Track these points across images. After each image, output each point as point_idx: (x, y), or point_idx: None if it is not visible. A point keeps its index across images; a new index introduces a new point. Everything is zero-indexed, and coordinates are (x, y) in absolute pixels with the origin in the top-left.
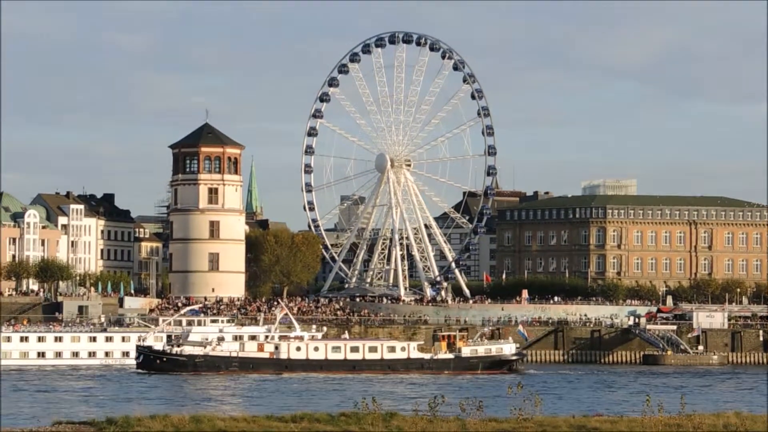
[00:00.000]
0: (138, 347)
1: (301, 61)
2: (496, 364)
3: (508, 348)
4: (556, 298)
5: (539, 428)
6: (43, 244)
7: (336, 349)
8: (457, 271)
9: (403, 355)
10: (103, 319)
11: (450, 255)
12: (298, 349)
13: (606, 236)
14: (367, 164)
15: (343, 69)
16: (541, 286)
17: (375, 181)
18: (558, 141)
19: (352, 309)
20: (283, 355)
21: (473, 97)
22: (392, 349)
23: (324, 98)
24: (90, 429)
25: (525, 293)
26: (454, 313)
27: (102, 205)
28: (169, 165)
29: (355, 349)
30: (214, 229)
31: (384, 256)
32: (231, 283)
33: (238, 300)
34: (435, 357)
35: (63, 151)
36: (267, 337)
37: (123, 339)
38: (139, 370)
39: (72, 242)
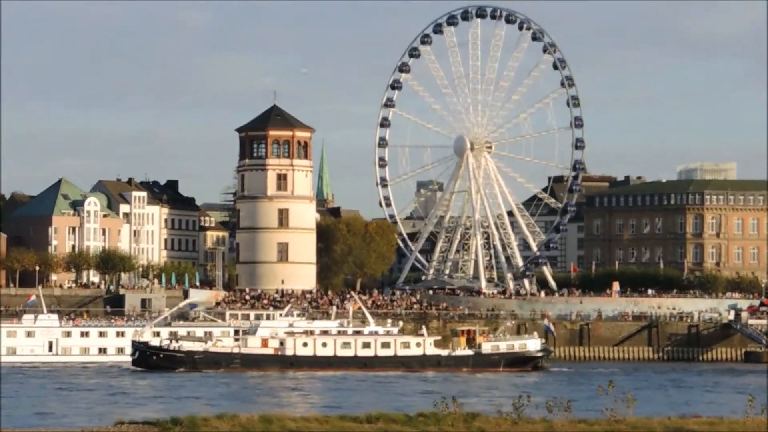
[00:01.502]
0: (134, 343)
1: (374, 40)
2: (519, 361)
3: (532, 344)
4: (649, 291)
5: (633, 431)
6: (103, 233)
7: (346, 345)
8: (542, 261)
9: (418, 352)
10: (167, 313)
11: (534, 244)
12: (305, 344)
13: (704, 224)
14: (445, 150)
15: (414, 53)
16: (633, 277)
17: (454, 166)
18: (651, 122)
19: (430, 302)
20: (289, 352)
21: (555, 67)
22: (406, 345)
23: (395, 86)
24: (154, 429)
25: (616, 285)
26: (539, 306)
27: (165, 193)
28: (235, 149)
29: (366, 345)
30: (283, 217)
31: (464, 246)
32: (301, 275)
33: (309, 293)
34: (453, 353)
35: (124, 135)
36: (328, 332)
37: (187, 334)
38: (134, 368)
39: (134, 231)
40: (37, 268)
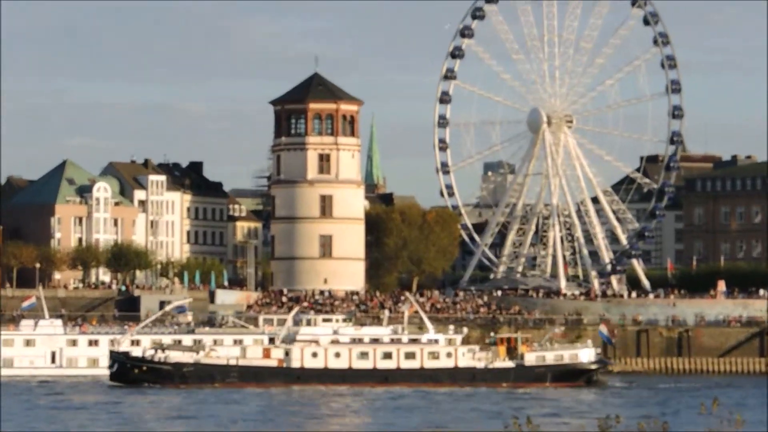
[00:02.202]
0: (112, 354)
1: None
2: (570, 374)
3: (585, 354)
4: (761, 292)
5: None
6: (115, 224)
7: (363, 355)
8: (635, 254)
9: (448, 363)
10: (190, 318)
11: (624, 236)
12: (314, 355)
13: None
14: (517, 126)
15: (477, 14)
16: (741, 275)
17: (527, 145)
18: (762, 93)
19: (500, 305)
20: (295, 363)
21: (646, 22)
22: (434, 356)
23: (456, 54)
24: None
25: (721, 285)
26: (630, 310)
27: (188, 176)
28: (270, 126)
29: (387, 356)
30: (325, 205)
31: (540, 239)
32: (347, 273)
33: (356, 294)
34: (490, 366)
35: (140, 110)
36: (379, 340)
37: (215, 343)
38: (112, 382)
39: (151, 222)
40: (38, 265)
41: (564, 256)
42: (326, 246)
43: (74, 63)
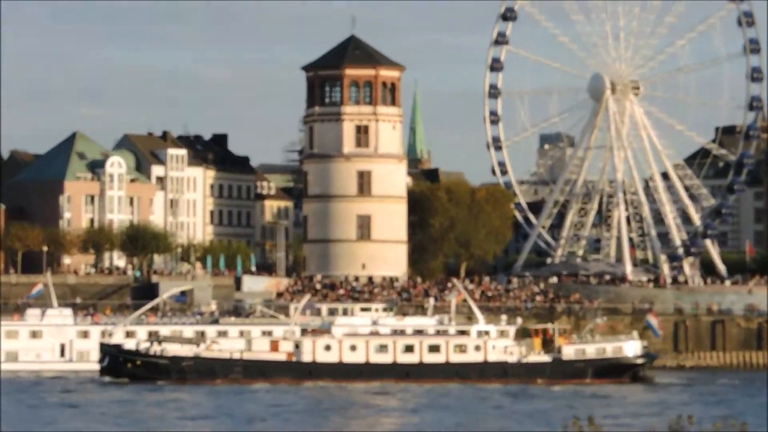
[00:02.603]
0: (102, 346)
1: None
2: (613, 369)
3: (630, 347)
4: None
5: None
6: (131, 203)
7: (381, 348)
8: (711, 234)
9: (477, 357)
10: (214, 307)
11: (698, 216)
12: (328, 348)
13: None
14: (577, 94)
15: None
16: None
17: (588, 115)
18: None
19: (558, 293)
20: (306, 357)
21: None
22: (461, 349)
23: (508, 15)
24: None
25: None
26: (704, 298)
27: (211, 150)
28: (302, 94)
29: (409, 349)
30: (364, 182)
31: (603, 219)
32: (388, 257)
33: (398, 281)
34: (523, 360)
35: (158, 76)
36: (423, 331)
37: (241, 334)
38: (104, 378)
39: (171, 201)
40: (45, 248)
41: (630, 239)
42: (364, 227)
43: (85, 24)
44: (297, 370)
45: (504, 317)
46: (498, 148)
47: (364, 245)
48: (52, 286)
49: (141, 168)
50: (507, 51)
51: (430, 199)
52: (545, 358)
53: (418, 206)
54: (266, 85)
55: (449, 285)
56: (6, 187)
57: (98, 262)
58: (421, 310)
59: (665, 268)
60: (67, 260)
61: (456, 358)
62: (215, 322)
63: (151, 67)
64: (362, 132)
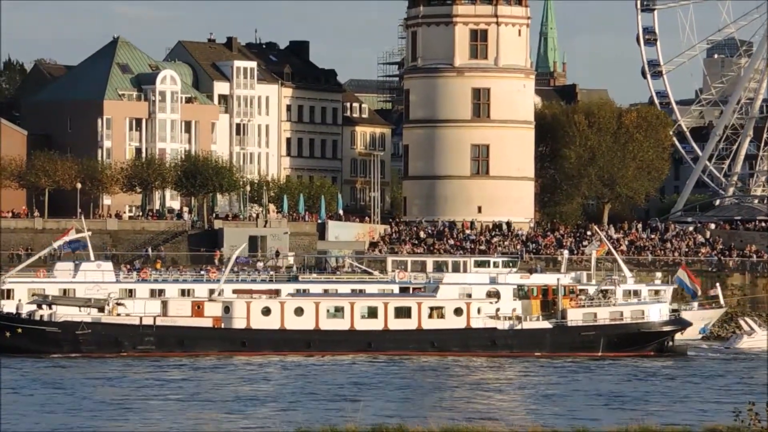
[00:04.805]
0: None
1: None
2: (633, 339)
3: (655, 310)
4: None
5: None
6: (187, 129)
7: (335, 312)
8: None
9: (457, 324)
10: (292, 260)
11: None
12: (266, 312)
13: None
14: None
15: None
16: None
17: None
18: None
19: (729, 244)
20: (238, 324)
21: None
22: (438, 313)
23: None
24: None
25: None
26: None
27: (288, 62)
28: None
29: (371, 313)
30: (480, 102)
31: None
32: (510, 198)
33: (523, 228)
34: (516, 327)
35: None
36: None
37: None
38: None
39: (237, 126)
40: (79, 185)
41: None
42: (481, 160)
43: None
44: (227, 340)
45: (658, 275)
46: (656, 74)
47: (481, 183)
48: (87, 234)
49: (200, 84)
50: None
51: (564, 125)
52: (545, 324)
53: (550, 133)
54: None
55: (588, 233)
56: (28, 107)
57: (146, 204)
58: (552, 265)
59: None
60: (106, 200)
61: (430, 324)
62: (294, 279)
63: None
64: (479, 39)
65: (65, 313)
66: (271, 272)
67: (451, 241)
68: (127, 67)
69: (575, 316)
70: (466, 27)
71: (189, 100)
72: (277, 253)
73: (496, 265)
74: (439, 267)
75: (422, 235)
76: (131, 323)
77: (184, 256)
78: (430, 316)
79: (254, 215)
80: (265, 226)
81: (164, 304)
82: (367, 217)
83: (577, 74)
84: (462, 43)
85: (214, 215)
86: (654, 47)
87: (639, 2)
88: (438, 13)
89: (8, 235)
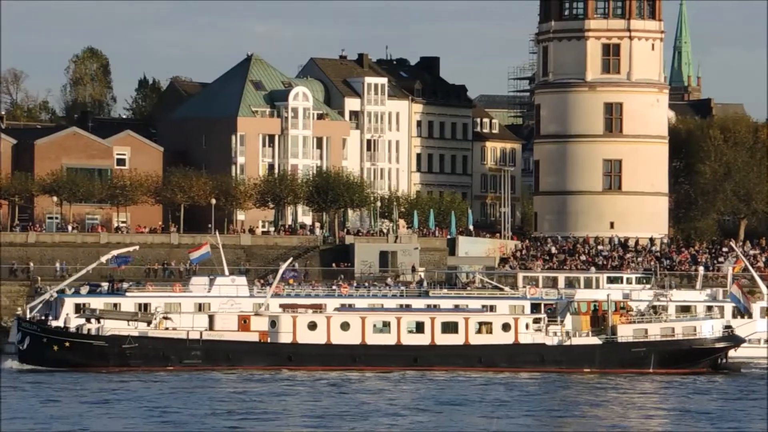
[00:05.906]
0: (19, 322)
1: None
2: (685, 356)
3: (708, 327)
4: None
5: None
6: (319, 145)
7: (382, 327)
8: None
9: (505, 339)
10: (422, 276)
11: None
12: (313, 326)
13: None
14: None
15: None
16: None
17: None
18: None
19: None
20: (284, 338)
21: None
22: (486, 328)
23: None
24: None
25: None
26: None
27: (419, 79)
28: (534, 5)
29: (418, 328)
30: (613, 117)
31: None
32: (643, 214)
33: (656, 244)
34: (565, 342)
35: None
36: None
37: (456, 308)
38: (22, 365)
39: (368, 142)
40: (213, 201)
41: None
42: (613, 175)
43: None
44: (273, 354)
45: None
46: None
47: (613, 198)
48: (221, 248)
49: (331, 101)
50: None
51: (699, 140)
52: (594, 340)
53: (684, 148)
54: None
55: (725, 250)
56: (164, 124)
57: (278, 219)
58: (687, 282)
59: None
60: (240, 216)
61: (477, 339)
62: (424, 294)
63: None
64: (612, 53)
65: (113, 326)
66: (402, 287)
67: (583, 257)
68: (260, 84)
69: (625, 332)
70: (599, 41)
71: (321, 117)
72: (413, 269)
73: (629, 281)
74: (571, 283)
75: (554, 250)
76: (178, 337)
77: (316, 271)
78: (478, 331)
79: (384, 231)
80: (395, 242)
81: (210, 318)
82: (497, 233)
83: (712, 88)
84: (594, 57)
85: (345, 230)
86: None
87: None
88: (570, 28)
89: (144, 250)
